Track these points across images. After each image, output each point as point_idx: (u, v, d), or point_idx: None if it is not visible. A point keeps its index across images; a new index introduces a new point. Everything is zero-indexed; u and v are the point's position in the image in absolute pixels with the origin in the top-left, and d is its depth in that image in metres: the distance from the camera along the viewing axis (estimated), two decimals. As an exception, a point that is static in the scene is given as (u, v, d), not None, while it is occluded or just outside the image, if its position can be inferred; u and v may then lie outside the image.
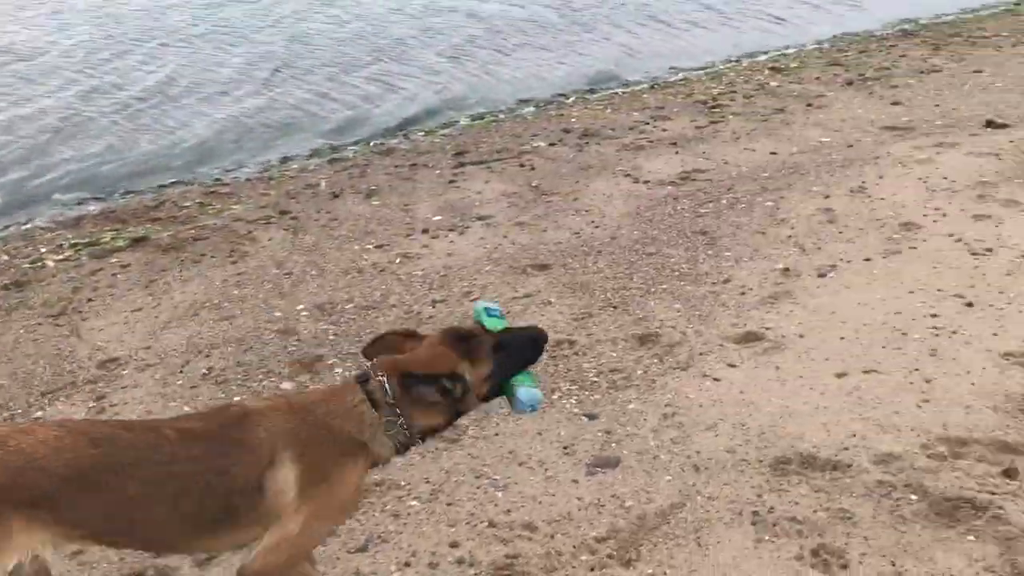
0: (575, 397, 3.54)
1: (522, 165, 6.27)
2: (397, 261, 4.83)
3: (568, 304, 4.27)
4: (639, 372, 3.67)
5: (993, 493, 2.79)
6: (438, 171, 6.25)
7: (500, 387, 2.23)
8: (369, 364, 2.17)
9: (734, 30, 10.31)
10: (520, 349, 2.25)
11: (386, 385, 2.10)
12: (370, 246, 5.05)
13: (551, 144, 6.77)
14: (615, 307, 4.22)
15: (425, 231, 5.21)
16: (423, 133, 7.38)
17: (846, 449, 3.06)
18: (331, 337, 4.06)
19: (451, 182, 6.01)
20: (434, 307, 4.31)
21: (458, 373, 2.14)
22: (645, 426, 3.31)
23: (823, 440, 3.12)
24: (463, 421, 2.71)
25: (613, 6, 11.19)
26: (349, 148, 7.11)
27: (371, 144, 7.16)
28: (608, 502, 2.91)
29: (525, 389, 2.22)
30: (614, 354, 3.82)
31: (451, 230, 5.21)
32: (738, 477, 2.96)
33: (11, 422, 3.35)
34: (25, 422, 3.08)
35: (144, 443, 1.96)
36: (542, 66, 9.16)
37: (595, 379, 3.65)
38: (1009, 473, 2.87)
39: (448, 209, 5.53)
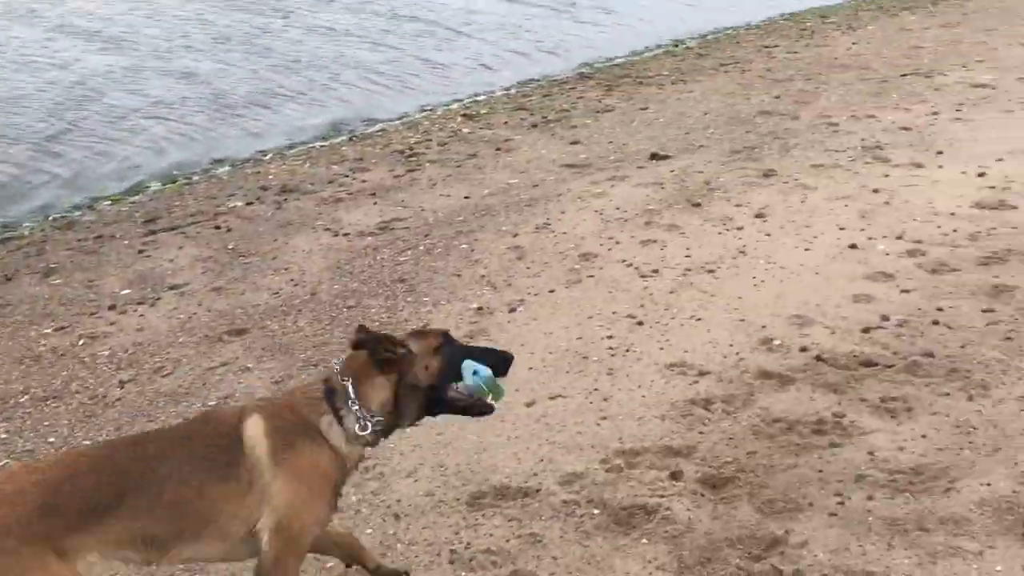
0: (276, 462, 3.48)
1: (218, 227, 6.10)
2: (80, 343, 4.53)
3: (267, 368, 4.20)
4: (341, 428, 3.67)
5: (662, 496, 3.07)
6: (127, 241, 5.94)
7: (453, 373, 2.36)
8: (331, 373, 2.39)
9: (427, 80, 10.65)
10: (468, 348, 2.51)
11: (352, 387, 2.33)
12: (49, 329, 4.69)
13: (248, 203, 6.65)
14: (315, 365, 4.20)
15: (112, 307, 4.92)
16: (110, 202, 6.98)
17: (535, 475, 3.24)
18: (2, 436, 3.71)
19: (141, 252, 5.73)
20: (122, 388, 4.08)
21: (404, 342, 2.38)
22: (347, 481, 3.31)
23: (515, 469, 3.28)
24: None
25: (308, 64, 11.20)
26: (24, 224, 6.57)
27: (50, 218, 6.66)
28: (310, 563, 2.87)
29: (481, 369, 2.35)
30: None
31: (141, 303, 4.96)
32: (437, 519, 3.04)
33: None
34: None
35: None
36: (236, 124, 8.98)
37: (297, 441, 3.60)
38: (675, 475, 3.16)
39: (138, 281, 5.27)
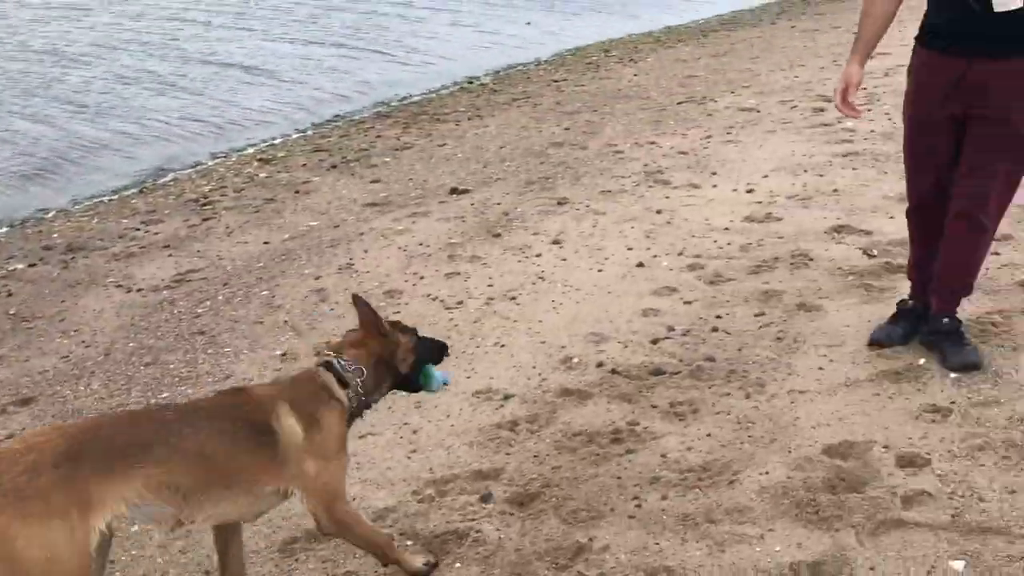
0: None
1: (-4, 293, 5.73)
2: None
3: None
4: (143, 489, 3.54)
5: (473, 519, 3.15)
6: None
7: (418, 372, 2.90)
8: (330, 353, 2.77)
9: (220, 126, 10.41)
10: (431, 344, 2.98)
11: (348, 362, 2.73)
12: None
13: (31, 264, 6.28)
14: None
15: None
16: None
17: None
18: None
19: (-93, 326, 5.29)
20: None
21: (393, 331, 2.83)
22: (151, 544, 3.20)
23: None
24: None
25: (92, 112, 10.70)
26: None
27: None
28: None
29: (439, 371, 2.99)
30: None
31: (-90, 381, 4.58)
32: (249, 570, 2.99)
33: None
34: None
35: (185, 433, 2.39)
36: (9, 182, 8.45)
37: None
38: (484, 498, 3.26)
39: (-95, 357, 4.86)
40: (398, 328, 2.88)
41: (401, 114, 10.80)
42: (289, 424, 2.50)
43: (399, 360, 2.83)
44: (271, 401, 2.53)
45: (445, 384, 3.06)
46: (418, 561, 2.87)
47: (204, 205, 7.42)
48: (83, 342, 4.98)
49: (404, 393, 3.14)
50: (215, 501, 2.41)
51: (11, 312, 5.44)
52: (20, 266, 6.28)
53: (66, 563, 2.08)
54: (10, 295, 5.72)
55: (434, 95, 11.98)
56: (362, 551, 2.88)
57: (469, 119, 10.11)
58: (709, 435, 3.55)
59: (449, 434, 3.72)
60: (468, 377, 4.19)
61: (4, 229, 7.30)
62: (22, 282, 5.95)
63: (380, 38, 15.34)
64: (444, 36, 15.86)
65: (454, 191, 7.24)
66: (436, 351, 3.00)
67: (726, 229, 5.78)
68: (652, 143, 8.15)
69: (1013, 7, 3.21)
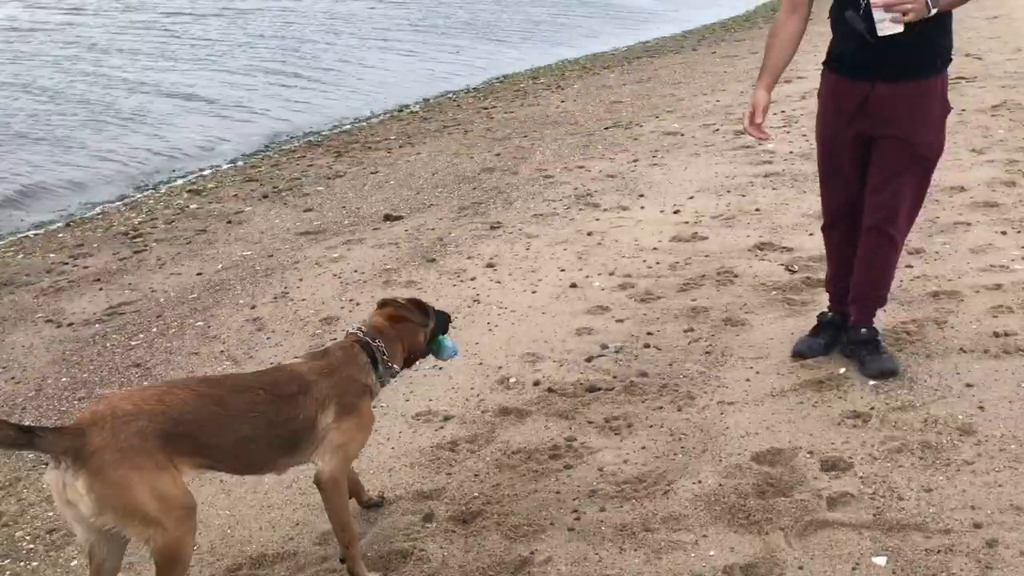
0: (9, 572, 3.27)
1: (-82, 332, 5.59)
2: None
3: (-9, 474, 3.92)
4: (81, 524, 3.51)
5: (416, 538, 3.21)
6: None
7: (432, 344, 3.24)
8: (361, 332, 3.06)
9: (148, 158, 10.30)
10: (442, 318, 3.29)
11: (382, 347, 3.03)
12: None
13: (-46, 303, 6.14)
14: (45, 463, 3.96)
15: None
16: None
17: (291, 539, 3.28)
18: None
19: None
20: None
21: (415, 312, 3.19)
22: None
23: (269, 537, 3.30)
24: None
25: (11, 149, 10.48)
26: None
27: None
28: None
29: (450, 342, 3.29)
30: (51, 514, 3.60)
31: None
32: (193, 599, 2.99)
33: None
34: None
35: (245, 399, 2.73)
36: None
37: (31, 546, 3.41)
38: (427, 517, 3.32)
39: None
40: (416, 305, 3.20)
41: (332, 142, 10.84)
42: (324, 388, 2.84)
43: (419, 337, 3.17)
44: (310, 379, 2.84)
45: (455, 353, 3.33)
46: (366, 573, 2.99)
47: (134, 237, 7.34)
48: (13, 378, 4.90)
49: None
50: (272, 457, 2.82)
51: (-65, 351, 5.32)
52: (-58, 304, 6.13)
53: (177, 499, 2.52)
54: (-67, 334, 5.59)
55: (365, 123, 12.06)
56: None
57: (400, 146, 10.20)
58: (644, 448, 3.67)
59: (390, 456, 3.77)
60: (407, 400, 4.25)
61: (-77, 267, 7.11)
62: (-55, 320, 5.82)
63: (309, 67, 15.37)
64: (374, 64, 15.96)
65: (388, 218, 7.30)
66: (446, 323, 3.33)
67: (655, 249, 5.96)
68: (581, 167, 8.33)
69: (893, 32, 3.44)
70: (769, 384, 4.07)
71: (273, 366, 3.04)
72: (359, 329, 3.07)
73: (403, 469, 3.66)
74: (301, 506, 3.48)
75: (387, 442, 3.89)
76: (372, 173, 8.95)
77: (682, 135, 9.30)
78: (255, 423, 2.70)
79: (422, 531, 3.25)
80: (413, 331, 3.15)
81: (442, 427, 3.99)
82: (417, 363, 3.31)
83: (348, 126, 11.89)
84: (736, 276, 5.37)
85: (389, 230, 6.98)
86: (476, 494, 3.45)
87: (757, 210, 6.54)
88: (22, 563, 3.31)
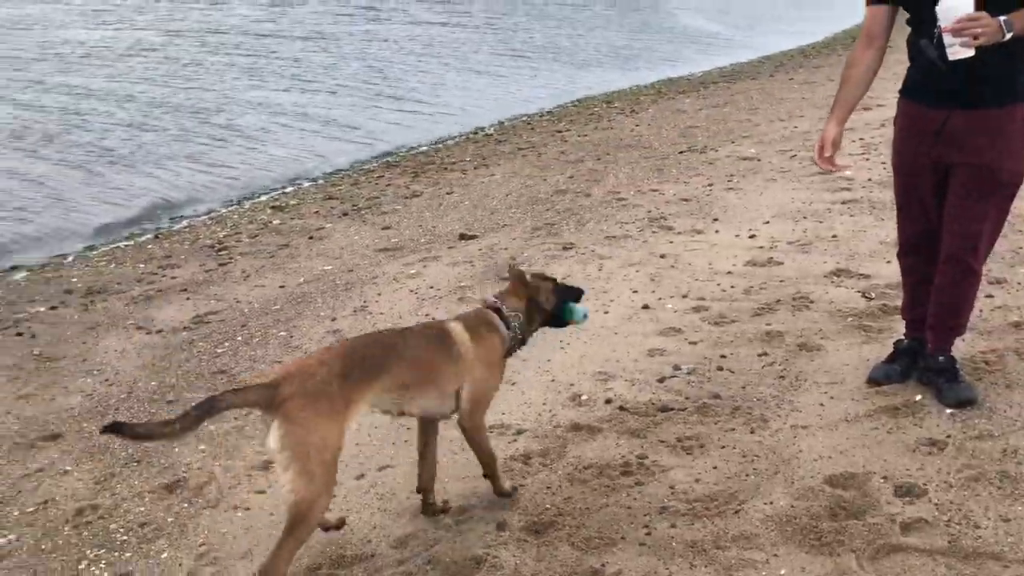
0: (104, 561, 3.44)
1: (20, 334, 5.90)
2: None
3: (87, 469, 4.12)
4: (170, 520, 3.68)
5: (490, 546, 3.29)
6: (-83, 356, 5.63)
7: (562, 309, 3.64)
8: (495, 297, 3.57)
9: (233, 174, 10.67)
10: (573, 290, 3.74)
11: (518, 312, 3.52)
12: None
13: (52, 307, 6.46)
14: (138, 462, 4.16)
15: (-93, 424, 4.66)
16: None
17: (369, 541, 3.39)
18: None
19: (-65, 365, 5.44)
20: (-74, 505, 3.89)
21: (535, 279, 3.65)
22: (181, 571, 3.33)
23: (347, 539, 3.41)
24: None
25: (108, 161, 10.96)
26: None
27: None
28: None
29: (580, 307, 3.68)
30: (142, 508, 3.78)
31: (-60, 417, 4.73)
32: (276, 594, 3.11)
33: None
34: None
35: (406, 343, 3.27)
36: (27, 228, 8.66)
37: (124, 538, 3.58)
38: (501, 526, 3.39)
39: (-66, 395, 5.01)
40: (540, 277, 3.65)
41: (409, 163, 11.08)
42: (464, 341, 3.30)
43: (544, 300, 3.57)
44: (454, 326, 3.34)
45: (585, 317, 3.72)
46: (507, 484, 3.59)
47: (220, 250, 7.62)
48: (106, 380, 5.14)
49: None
50: (422, 397, 3.23)
51: (35, 352, 5.60)
52: (41, 309, 6.45)
53: (332, 444, 2.91)
54: (33, 336, 5.88)
55: (441, 145, 12.30)
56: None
57: (475, 168, 10.38)
58: (715, 468, 3.69)
59: (465, 465, 3.85)
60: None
61: (23, 274, 7.49)
62: (44, 324, 6.12)
63: (390, 89, 15.73)
64: (452, 87, 16.27)
65: (463, 237, 7.45)
66: (575, 292, 3.72)
67: (729, 273, 5.97)
68: (655, 190, 8.38)
69: (964, 56, 3.42)
70: (843, 409, 4.06)
71: (426, 321, 3.62)
72: (494, 296, 3.56)
73: (478, 479, 3.74)
74: (379, 510, 3.59)
75: (462, 452, 3.97)
76: (448, 193, 9.13)
77: (758, 160, 9.27)
78: (413, 367, 3.18)
79: (496, 539, 3.33)
80: (536, 294, 3.56)
81: (515, 440, 4.07)
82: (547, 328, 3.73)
83: (425, 148, 12.15)
84: (812, 302, 5.35)
85: (464, 248, 7.12)
86: (548, 506, 3.52)
87: (834, 237, 6.50)
88: (115, 553, 3.48)
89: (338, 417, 2.92)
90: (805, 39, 23.25)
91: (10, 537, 3.61)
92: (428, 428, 3.50)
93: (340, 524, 3.46)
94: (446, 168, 10.51)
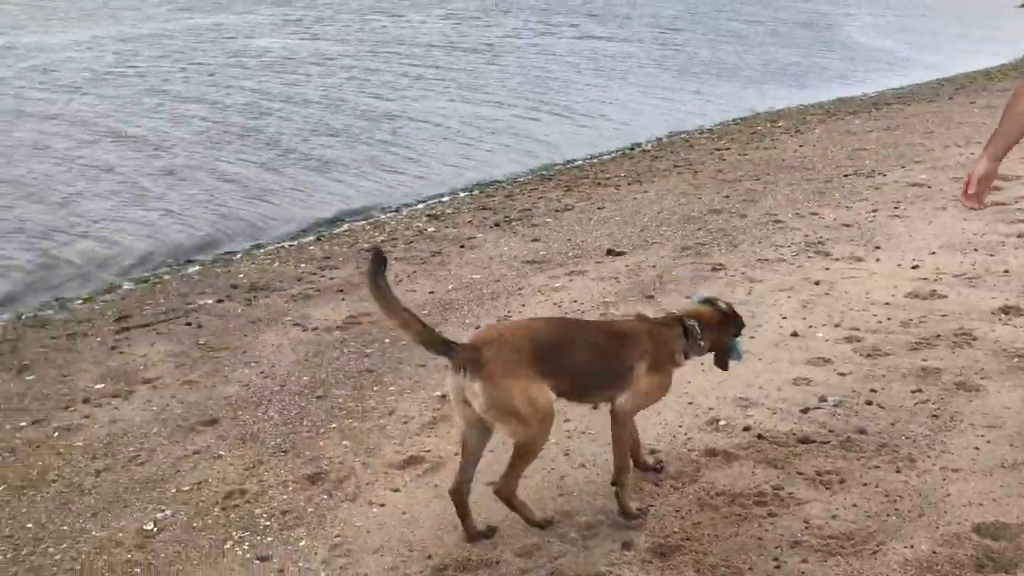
0: (247, 543, 3.64)
1: (189, 324, 6.31)
2: (55, 435, 4.67)
3: (239, 455, 4.37)
4: (310, 510, 3.85)
5: (614, 564, 3.27)
6: (99, 338, 6.12)
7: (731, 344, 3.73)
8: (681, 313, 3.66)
9: (393, 182, 11.05)
10: (738, 322, 3.76)
11: (695, 326, 3.59)
12: (24, 423, 4.83)
13: (219, 300, 6.88)
14: (285, 452, 4.38)
15: (86, 401, 5.08)
16: (81, 300, 7.16)
17: (494, 547, 3.44)
18: (-21, 524, 3.84)
19: (114, 348, 5.90)
20: (97, 477, 4.22)
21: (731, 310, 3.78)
22: (315, 560, 3.49)
23: (474, 545, 3.47)
24: None
25: (278, 165, 11.58)
26: (-6, 323, 6.73)
27: (22, 317, 6.82)
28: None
29: (741, 346, 3.80)
30: (285, 496, 3.97)
31: (115, 396, 5.12)
32: (403, 591, 3.21)
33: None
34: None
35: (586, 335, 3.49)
36: (202, 225, 9.23)
37: (267, 523, 3.77)
38: (627, 545, 3.38)
39: (111, 376, 5.43)
40: (733, 312, 3.75)
41: (563, 177, 11.15)
42: (642, 352, 3.43)
43: (725, 332, 3.69)
44: (636, 334, 3.49)
45: (740, 358, 3.83)
46: (633, 505, 3.57)
47: (376, 254, 7.90)
48: (262, 373, 5.43)
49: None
50: (595, 387, 3.46)
51: (201, 342, 5.98)
52: (209, 301, 6.88)
53: (543, 404, 3.24)
54: (200, 327, 6.29)
55: (596, 160, 12.30)
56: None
57: (629, 184, 10.33)
58: (855, 505, 3.54)
59: (594, 482, 3.85)
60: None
61: (196, 267, 8.01)
62: (210, 316, 6.53)
63: (550, 102, 15.89)
64: (611, 101, 16.26)
65: (610, 252, 7.43)
66: (741, 327, 3.79)
67: (887, 304, 5.70)
68: (814, 214, 8.10)
69: None
70: (1000, 455, 3.80)
71: (608, 319, 3.77)
72: (683, 312, 3.67)
73: (607, 496, 3.73)
74: (507, 517, 3.63)
75: (592, 467, 3.98)
76: (599, 208, 9.14)
77: (929, 187, 8.82)
78: (591, 356, 3.36)
79: (620, 558, 3.31)
80: (724, 327, 3.67)
81: (647, 461, 4.02)
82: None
83: (580, 161, 12.19)
84: (975, 339, 5.04)
85: (611, 264, 7.11)
86: (676, 529, 3.47)
87: (1006, 272, 6.10)
88: (258, 537, 3.67)
89: (536, 381, 3.21)
90: (991, 60, 21.90)
91: (167, 512, 3.88)
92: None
93: (490, 533, 3.57)
94: (599, 183, 10.51)
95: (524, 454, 3.31)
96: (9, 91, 15.42)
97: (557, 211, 9.13)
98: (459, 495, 3.50)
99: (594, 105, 15.87)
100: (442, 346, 3.27)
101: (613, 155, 12.52)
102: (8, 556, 3.60)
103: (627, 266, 6.98)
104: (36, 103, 14.47)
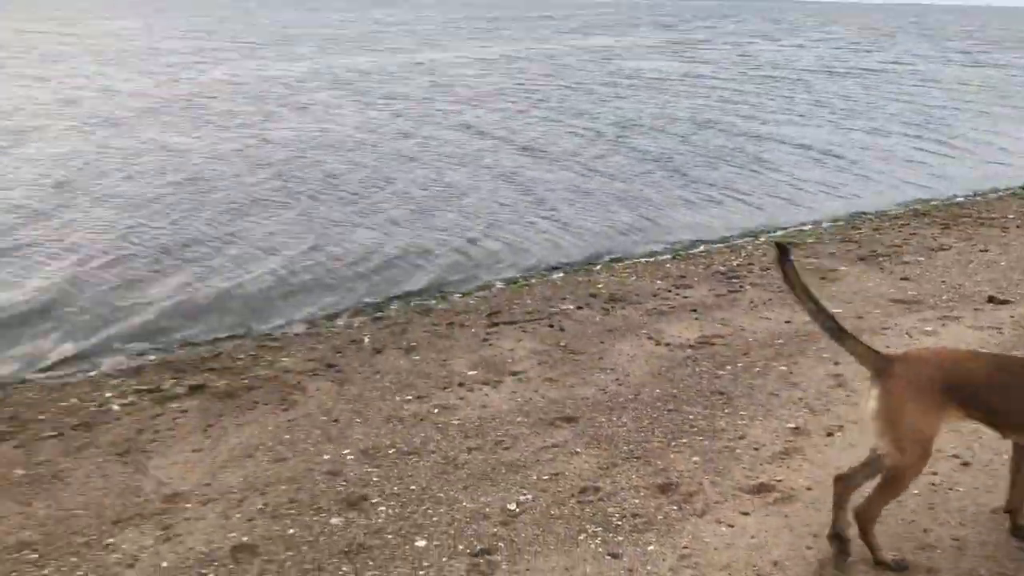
0: (600, 538, 3.84)
1: (551, 326, 6.73)
2: (435, 411, 5.22)
3: (594, 454, 4.61)
4: (659, 517, 3.97)
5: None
6: (473, 330, 6.72)
7: None
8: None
9: (753, 207, 10.96)
10: None
11: None
12: (410, 397, 5.45)
13: (579, 307, 7.25)
14: (637, 458, 4.55)
15: (461, 384, 5.62)
16: (459, 295, 7.91)
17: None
18: (375, 479, 4.41)
19: (485, 340, 6.46)
20: (469, 454, 4.67)
21: None
22: (663, 565, 3.60)
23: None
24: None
25: (643, 182, 11.95)
26: (390, 307, 7.63)
27: (411, 304, 7.68)
28: None
29: None
30: (636, 501, 4.13)
31: (485, 384, 5.61)
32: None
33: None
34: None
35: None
36: (571, 233, 9.78)
37: (619, 523, 3.95)
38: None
39: (482, 365, 5.96)
40: None
41: (940, 213, 10.39)
42: None
43: None
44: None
45: None
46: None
47: (731, 278, 7.90)
48: (617, 380, 5.66)
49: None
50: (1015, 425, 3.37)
51: (562, 344, 6.36)
52: (570, 307, 7.28)
53: (924, 430, 3.25)
54: (561, 330, 6.68)
55: (980, 198, 11.33)
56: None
57: (1018, 227, 9.39)
58: None
59: (959, 539, 3.59)
60: (990, 492, 3.99)
61: (560, 274, 8.51)
62: (571, 320, 6.91)
63: (932, 133, 14.87)
64: (1006, 135, 14.89)
65: (992, 300, 6.82)
66: None
67: None
68: None
69: None
70: None
71: None
72: None
73: (977, 558, 3.47)
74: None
75: (958, 524, 3.71)
76: (982, 251, 8.40)
77: None
78: (1004, 391, 3.26)
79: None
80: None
81: (1028, 530, 3.68)
82: None
83: (961, 198, 11.30)
84: None
85: (992, 313, 6.53)
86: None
87: None
88: (610, 534, 3.86)
89: (932, 411, 3.22)
90: None
91: (528, 496, 4.20)
92: (1021, 452, 3.57)
93: (902, 566, 3.51)
94: (983, 223, 9.65)
95: (893, 481, 3.30)
96: (416, 103, 17.36)
97: (931, 249, 8.53)
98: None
99: (985, 138, 14.61)
100: (843, 337, 3.40)
101: (1001, 193, 11.44)
102: (396, 511, 4.10)
103: (1012, 317, 6.36)
104: (443, 115, 16.15)
